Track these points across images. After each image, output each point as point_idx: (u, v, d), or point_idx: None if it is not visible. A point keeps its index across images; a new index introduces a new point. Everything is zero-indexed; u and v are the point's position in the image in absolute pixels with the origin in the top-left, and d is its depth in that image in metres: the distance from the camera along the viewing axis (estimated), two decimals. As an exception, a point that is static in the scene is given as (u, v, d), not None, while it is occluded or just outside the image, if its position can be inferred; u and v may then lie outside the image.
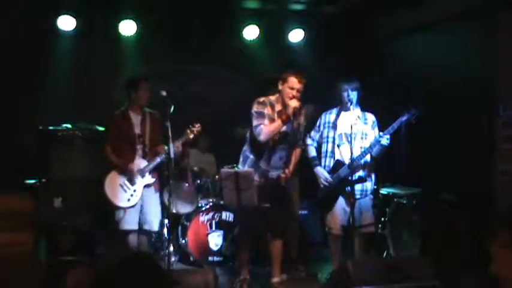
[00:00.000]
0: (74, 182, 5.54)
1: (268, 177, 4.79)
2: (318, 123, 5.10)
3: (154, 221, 5.08)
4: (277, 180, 4.79)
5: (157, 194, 5.19)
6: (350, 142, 4.67)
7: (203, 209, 5.76)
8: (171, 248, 4.97)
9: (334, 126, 4.96)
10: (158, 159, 5.01)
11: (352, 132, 4.68)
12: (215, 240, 5.74)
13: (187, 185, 5.94)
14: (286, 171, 4.82)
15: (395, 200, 5.62)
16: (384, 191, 5.79)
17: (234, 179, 4.56)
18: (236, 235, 5.51)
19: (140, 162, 5.03)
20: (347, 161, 4.76)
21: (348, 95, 4.82)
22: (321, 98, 5.22)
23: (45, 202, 5.38)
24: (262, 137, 4.66)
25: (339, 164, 4.89)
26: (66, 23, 6.15)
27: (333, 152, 4.94)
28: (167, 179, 4.87)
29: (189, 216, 5.79)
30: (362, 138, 4.89)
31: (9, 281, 3.67)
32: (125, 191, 4.97)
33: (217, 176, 5.95)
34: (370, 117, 4.98)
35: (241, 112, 5.04)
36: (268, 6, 6.65)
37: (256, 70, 6.94)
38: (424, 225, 5.19)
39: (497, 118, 5.47)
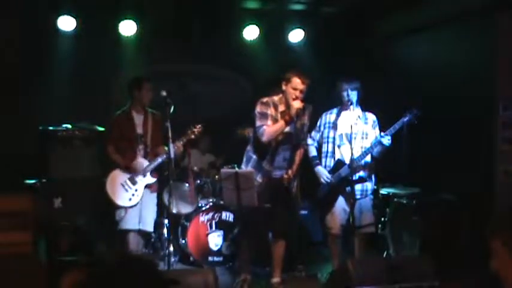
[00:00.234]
0: (74, 182, 5.54)
1: (272, 177, 4.78)
2: (318, 123, 5.11)
3: (149, 221, 5.10)
4: (281, 180, 4.78)
5: (155, 195, 5.21)
6: (350, 142, 4.68)
7: (203, 209, 5.76)
8: (171, 248, 4.96)
9: (335, 127, 4.96)
10: (159, 160, 5.02)
11: (353, 132, 4.69)
12: (215, 240, 5.73)
13: (187, 185, 5.93)
14: (290, 171, 4.80)
15: (395, 200, 5.62)
16: (384, 191, 5.80)
17: (234, 179, 4.56)
18: (236, 235, 5.51)
19: (142, 162, 5.04)
20: (347, 161, 4.76)
21: (348, 95, 4.83)
22: (321, 98, 5.22)
23: (45, 202, 5.38)
24: (265, 138, 4.65)
25: (339, 163, 4.89)
26: (66, 23, 6.14)
27: (333, 152, 4.95)
28: (167, 179, 4.88)
29: (189, 216, 5.79)
30: (363, 138, 4.89)
31: (9, 281, 3.67)
32: (126, 190, 4.98)
33: (217, 176, 5.96)
34: (371, 117, 4.99)
35: (242, 112, 5.04)
36: (268, 6, 6.63)
37: (256, 70, 6.95)
38: (424, 225, 5.19)
39: (497, 118, 5.48)
